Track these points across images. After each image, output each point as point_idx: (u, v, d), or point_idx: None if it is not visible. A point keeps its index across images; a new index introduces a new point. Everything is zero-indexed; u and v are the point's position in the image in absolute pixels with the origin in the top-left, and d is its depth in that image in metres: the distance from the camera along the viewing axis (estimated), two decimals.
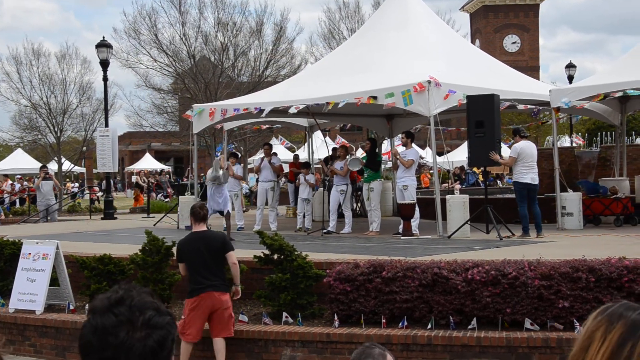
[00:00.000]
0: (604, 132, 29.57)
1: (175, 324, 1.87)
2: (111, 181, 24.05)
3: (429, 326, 7.97)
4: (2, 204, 25.78)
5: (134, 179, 44.43)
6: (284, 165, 24.35)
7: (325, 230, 14.50)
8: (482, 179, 26.33)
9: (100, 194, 36.30)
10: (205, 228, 8.20)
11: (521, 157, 12.62)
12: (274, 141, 30.58)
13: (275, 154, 17.13)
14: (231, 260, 8.11)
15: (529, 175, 12.62)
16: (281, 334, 8.38)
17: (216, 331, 8.13)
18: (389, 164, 18.10)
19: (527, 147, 12.81)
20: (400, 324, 8.10)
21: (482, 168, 19.60)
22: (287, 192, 21.38)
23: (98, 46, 22.40)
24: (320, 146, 24.48)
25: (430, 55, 14.89)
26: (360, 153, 27.36)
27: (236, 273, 8.23)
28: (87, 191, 36.42)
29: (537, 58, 61.31)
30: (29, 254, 10.16)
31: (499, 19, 60.51)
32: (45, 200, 21.63)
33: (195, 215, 8.10)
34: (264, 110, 14.75)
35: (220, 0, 33.43)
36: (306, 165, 16.71)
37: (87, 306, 9.77)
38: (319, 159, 19.14)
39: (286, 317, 8.67)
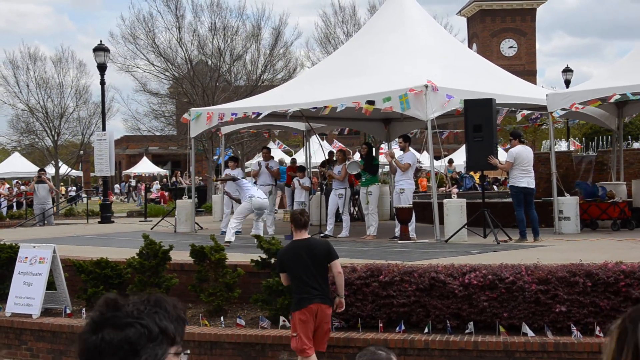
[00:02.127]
0: (600, 137, 29.61)
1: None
2: (118, 185, 24.02)
3: (426, 330, 7.97)
4: None
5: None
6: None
7: (322, 234, 14.49)
8: (479, 183, 26.36)
9: (115, 197, 36.36)
10: (307, 235, 7.52)
11: (517, 162, 12.65)
12: (271, 145, 30.58)
13: (272, 157, 17.14)
14: (337, 269, 7.44)
15: (525, 179, 12.65)
16: (278, 338, 8.37)
17: (317, 346, 7.41)
18: (387, 168, 18.11)
19: (524, 152, 12.83)
20: (397, 328, 8.10)
21: (479, 172, 19.64)
22: (286, 196, 21.38)
23: (95, 50, 22.41)
24: (318, 150, 24.52)
25: (427, 59, 14.91)
26: (357, 157, 27.38)
27: (341, 283, 7.54)
28: (97, 194, 36.40)
29: (533, 62, 61.44)
30: (26, 257, 10.15)
31: (496, 23, 60.63)
32: (42, 204, 21.60)
33: (296, 222, 7.43)
34: (261, 114, 14.76)
35: (216, 4, 33.44)
36: (301, 169, 16.72)
37: (83, 310, 9.76)
38: (319, 168, 19.12)
39: (283, 321, 8.66)
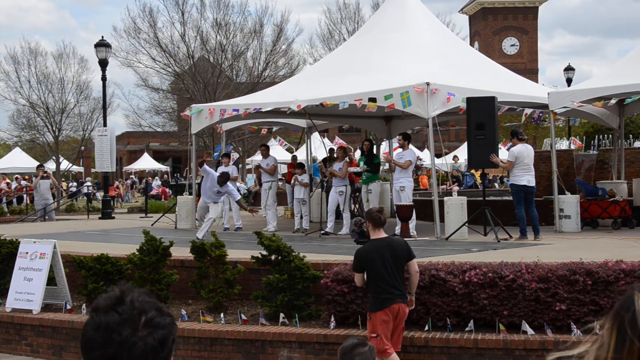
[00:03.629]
0: (601, 135, 29.60)
1: (176, 324, 1.89)
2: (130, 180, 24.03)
3: (426, 328, 7.97)
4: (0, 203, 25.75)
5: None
6: (282, 166, 24.35)
7: (323, 232, 14.50)
8: (480, 182, 26.34)
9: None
10: (385, 234, 7.43)
11: (518, 160, 12.66)
12: (272, 142, 30.58)
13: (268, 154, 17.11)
14: (414, 268, 7.40)
15: (526, 177, 12.65)
16: (278, 335, 8.38)
17: (395, 346, 7.34)
18: (387, 166, 18.12)
19: (524, 150, 12.83)
20: None
21: (480, 170, 19.63)
22: (286, 193, 21.39)
23: (97, 45, 22.41)
24: (319, 147, 24.49)
25: (429, 57, 14.90)
26: (358, 154, 27.35)
27: (415, 282, 7.47)
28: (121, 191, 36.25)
29: (535, 61, 61.39)
30: (26, 253, 10.15)
31: (498, 21, 60.57)
32: (43, 199, 21.62)
33: (374, 221, 7.30)
34: (262, 110, 14.76)
35: (220, 0, 33.45)
36: (300, 166, 16.70)
37: (83, 306, 9.77)
38: (320, 163, 19.11)
39: (283, 318, 8.67)
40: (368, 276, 7.28)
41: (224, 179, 13.90)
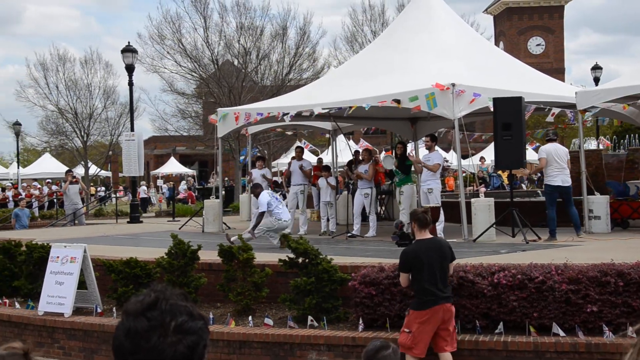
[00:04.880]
0: (631, 135, 29.20)
1: (208, 329, 1.86)
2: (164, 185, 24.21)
3: (455, 330, 7.92)
4: (30, 208, 26.08)
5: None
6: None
7: (349, 234, 14.49)
8: (507, 182, 26.15)
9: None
10: (429, 235, 7.52)
11: (549, 160, 12.59)
12: (297, 145, 30.61)
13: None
14: (451, 269, 7.59)
15: (560, 177, 12.58)
16: (307, 338, 8.39)
17: (443, 345, 7.39)
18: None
19: (555, 150, 12.73)
20: None
21: (507, 171, 19.47)
22: (312, 196, 21.40)
23: (124, 51, 22.62)
24: (344, 149, 24.46)
25: (454, 58, 14.83)
26: (383, 155, 27.27)
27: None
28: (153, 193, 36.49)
29: (562, 60, 60.77)
30: (57, 257, 10.28)
31: (523, 21, 60.06)
32: (73, 204, 21.86)
33: (420, 222, 7.38)
34: (287, 113, 14.79)
35: (242, 4, 33.60)
36: (327, 168, 16.70)
37: (113, 309, 9.86)
38: (344, 167, 19.10)
39: (311, 320, 8.68)
40: (413, 277, 7.33)
41: (257, 190, 13.58)
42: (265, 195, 13.17)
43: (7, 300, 11.10)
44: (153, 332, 1.77)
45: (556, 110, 13.43)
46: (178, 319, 1.79)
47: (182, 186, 42.57)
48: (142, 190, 39.44)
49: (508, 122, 12.38)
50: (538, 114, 14.56)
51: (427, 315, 7.20)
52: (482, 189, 23.54)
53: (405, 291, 8.22)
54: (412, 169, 14.76)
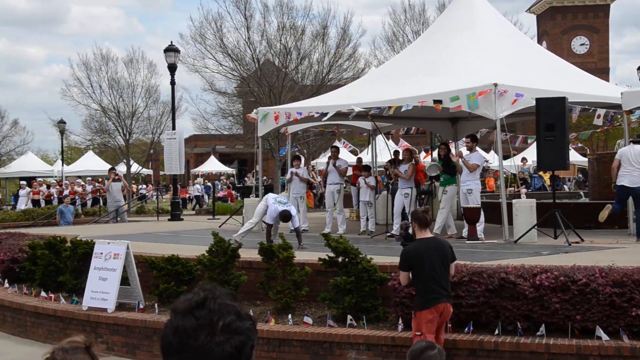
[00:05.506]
0: None
1: (256, 329, 1.85)
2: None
3: (496, 332, 7.87)
4: (74, 205, 26.57)
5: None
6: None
7: (389, 234, 14.46)
8: (549, 183, 25.79)
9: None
10: (430, 234, 7.59)
11: (622, 161, 12.55)
12: (336, 144, 30.64)
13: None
14: (454, 270, 7.65)
15: (627, 178, 12.50)
16: (346, 337, 8.40)
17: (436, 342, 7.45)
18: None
19: (630, 151, 12.64)
20: (466, 329, 8.03)
21: (549, 172, 19.23)
22: (351, 195, 21.41)
23: (166, 51, 22.90)
24: (384, 149, 24.41)
25: (496, 58, 14.69)
26: (423, 156, 27.16)
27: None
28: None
29: (606, 60, 59.69)
30: (101, 253, 10.46)
31: (567, 20, 59.18)
32: (115, 201, 22.21)
33: (420, 221, 7.42)
34: (326, 114, 14.82)
35: (284, 4, 33.73)
36: (366, 168, 16.68)
37: (155, 306, 9.99)
38: (384, 167, 19.05)
39: (350, 320, 8.69)
40: (415, 275, 7.36)
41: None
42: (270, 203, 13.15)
43: (52, 295, 11.33)
44: (201, 331, 1.77)
45: (602, 112, 13.19)
46: (226, 319, 1.79)
47: (222, 184, 42.93)
48: (196, 189, 40.01)
49: (551, 122, 12.22)
50: (582, 114, 14.32)
51: (432, 313, 7.24)
52: (523, 190, 23.24)
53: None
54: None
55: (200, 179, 45.12)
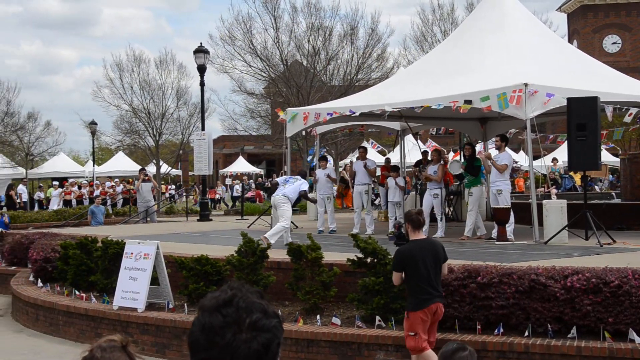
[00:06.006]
0: None
1: (282, 327, 1.86)
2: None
3: (526, 334, 7.80)
4: (105, 205, 26.88)
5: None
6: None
7: None
8: (580, 184, 25.48)
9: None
10: (424, 235, 7.69)
11: None
12: (364, 145, 30.58)
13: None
14: (446, 270, 7.77)
15: None
16: (374, 338, 8.38)
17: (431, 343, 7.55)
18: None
19: None
20: (496, 331, 7.97)
21: (580, 172, 19.01)
22: (380, 196, 21.36)
23: (196, 52, 23.05)
24: (412, 149, 24.32)
25: (527, 57, 14.56)
26: (451, 157, 27.00)
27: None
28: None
29: (639, 58, 58.80)
30: (131, 253, 10.56)
31: (599, 18, 58.43)
32: (145, 201, 22.41)
33: (414, 223, 7.53)
34: (355, 113, 14.80)
35: (312, 5, 33.78)
36: (395, 169, 16.62)
37: (185, 305, 10.06)
38: (412, 167, 18.97)
39: (379, 320, 8.67)
40: (408, 276, 7.47)
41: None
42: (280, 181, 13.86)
43: (83, 295, 11.47)
44: (228, 329, 1.78)
45: (634, 111, 12.99)
46: (253, 316, 1.80)
47: (250, 184, 43.07)
48: (235, 189, 40.16)
49: (582, 122, 12.08)
50: (616, 114, 14.11)
51: (424, 314, 7.35)
52: (554, 191, 23.02)
53: (475, 293, 8.13)
54: (482, 169, 14.55)
55: (229, 180, 45.30)
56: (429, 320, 7.40)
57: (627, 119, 13.25)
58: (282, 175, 17.49)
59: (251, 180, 46.43)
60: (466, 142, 17.62)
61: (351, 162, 17.12)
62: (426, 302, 7.31)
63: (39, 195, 35.82)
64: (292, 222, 15.37)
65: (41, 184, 38.75)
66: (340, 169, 31.87)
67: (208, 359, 1.79)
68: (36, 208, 33.39)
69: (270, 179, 36.11)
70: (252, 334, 1.78)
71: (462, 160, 15.19)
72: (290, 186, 13.65)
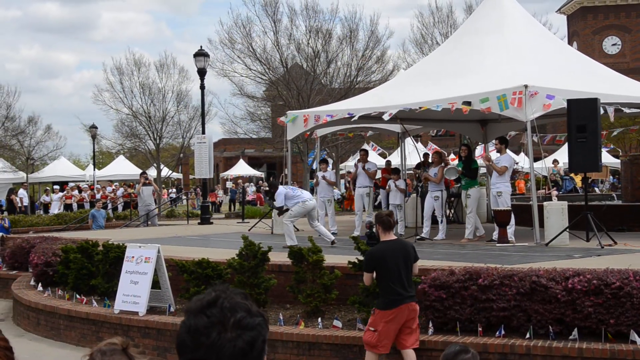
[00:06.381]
0: None
1: (267, 325, 1.91)
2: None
3: (528, 335, 7.79)
4: (105, 209, 26.89)
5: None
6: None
7: (418, 237, 14.40)
8: (580, 185, 25.49)
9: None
10: (394, 236, 7.84)
11: None
12: (364, 147, 30.56)
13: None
14: (416, 270, 7.88)
15: None
16: None
17: (407, 343, 7.62)
18: (483, 170, 17.82)
19: None
20: (497, 333, 7.96)
21: (580, 174, 19.00)
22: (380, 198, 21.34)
23: (196, 55, 23.09)
24: (412, 152, 24.32)
25: (527, 59, 14.57)
26: (451, 158, 26.98)
27: None
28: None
29: (639, 60, 58.82)
30: (132, 257, 10.56)
31: (598, 20, 58.46)
32: (146, 205, 22.42)
33: (384, 224, 7.67)
34: (354, 115, 14.81)
35: (311, 8, 33.79)
36: (396, 171, 16.63)
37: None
38: (413, 170, 18.97)
39: None
40: (379, 276, 7.60)
41: (272, 190, 14.42)
42: (280, 189, 13.89)
43: (84, 299, 11.47)
44: (212, 329, 1.82)
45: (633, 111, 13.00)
46: (237, 316, 1.84)
47: (251, 188, 43.05)
48: (251, 191, 40.08)
49: (583, 124, 12.09)
50: (616, 115, 14.12)
51: (393, 314, 7.42)
52: (554, 192, 23.01)
53: (476, 295, 8.13)
54: (483, 170, 14.56)
55: (230, 183, 45.32)
56: (396, 323, 7.47)
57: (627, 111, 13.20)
58: (283, 178, 17.52)
59: (252, 183, 46.42)
60: (462, 143, 17.63)
61: (355, 166, 17.11)
62: (396, 303, 7.43)
63: (44, 198, 35.80)
64: (294, 225, 15.41)
65: (47, 187, 38.73)
66: (341, 171, 31.92)
67: (195, 359, 1.83)
68: (41, 212, 33.34)
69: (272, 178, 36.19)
70: (237, 333, 1.83)
71: (459, 162, 15.18)
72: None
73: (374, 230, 12.38)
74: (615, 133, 18.91)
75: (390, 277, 7.43)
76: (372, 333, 7.52)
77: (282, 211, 13.89)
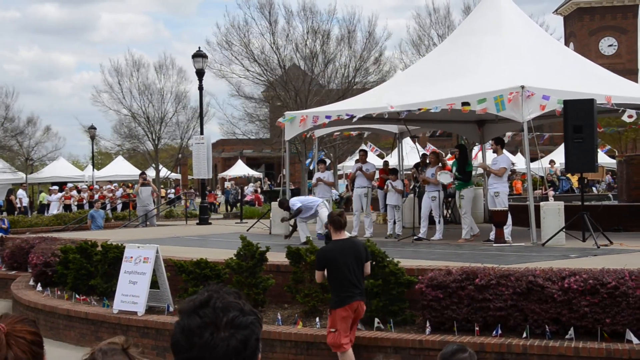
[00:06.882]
0: None
1: (260, 324, 1.93)
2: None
3: (524, 335, 7.85)
4: (104, 209, 26.91)
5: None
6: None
7: (416, 237, 14.45)
8: (577, 186, 25.55)
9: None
10: (346, 235, 8.06)
11: None
12: (362, 148, 30.59)
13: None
14: (368, 270, 8.04)
15: None
16: (373, 340, 8.43)
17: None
18: (480, 170, 17.86)
19: None
20: (494, 332, 8.02)
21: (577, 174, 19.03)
22: (378, 198, 21.38)
23: (194, 56, 23.13)
24: (410, 152, 24.35)
25: (524, 60, 14.63)
26: (448, 158, 27.02)
27: None
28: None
29: (635, 60, 58.94)
30: (131, 257, 10.60)
31: (595, 21, 58.59)
32: (144, 205, 22.45)
33: (335, 224, 7.91)
34: (354, 116, 14.87)
35: (308, 9, 33.82)
36: (394, 172, 16.68)
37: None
38: (411, 170, 19.02)
39: (378, 323, 8.72)
40: (330, 274, 7.77)
41: (285, 204, 14.74)
42: (293, 202, 14.55)
43: (84, 298, 11.51)
44: (205, 329, 1.84)
45: (632, 112, 13.03)
46: (229, 315, 1.87)
47: (249, 188, 43.06)
48: (250, 192, 40.09)
49: (579, 124, 12.15)
50: (613, 115, 14.19)
51: (347, 311, 7.66)
52: (551, 192, 23.08)
53: (473, 295, 8.18)
54: (480, 171, 14.62)
55: (229, 183, 45.29)
56: (350, 319, 7.71)
57: (626, 118, 13.26)
58: (281, 179, 17.59)
59: (232, 183, 46.33)
60: (456, 145, 17.68)
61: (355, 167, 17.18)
62: (348, 300, 7.65)
63: (47, 199, 35.77)
64: (290, 225, 15.45)
65: (50, 187, 38.75)
66: (339, 172, 31.96)
67: (188, 359, 1.86)
68: (45, 212, 33.30)
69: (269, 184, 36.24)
70: (230, 332, 1.85)
71: (454, 162, 15.23)
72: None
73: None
74: (612, 131, 18.95)
75: (340, 276, 7.66)
76: (335, 334, 7.72)
77: (295, 214, 14.41)
